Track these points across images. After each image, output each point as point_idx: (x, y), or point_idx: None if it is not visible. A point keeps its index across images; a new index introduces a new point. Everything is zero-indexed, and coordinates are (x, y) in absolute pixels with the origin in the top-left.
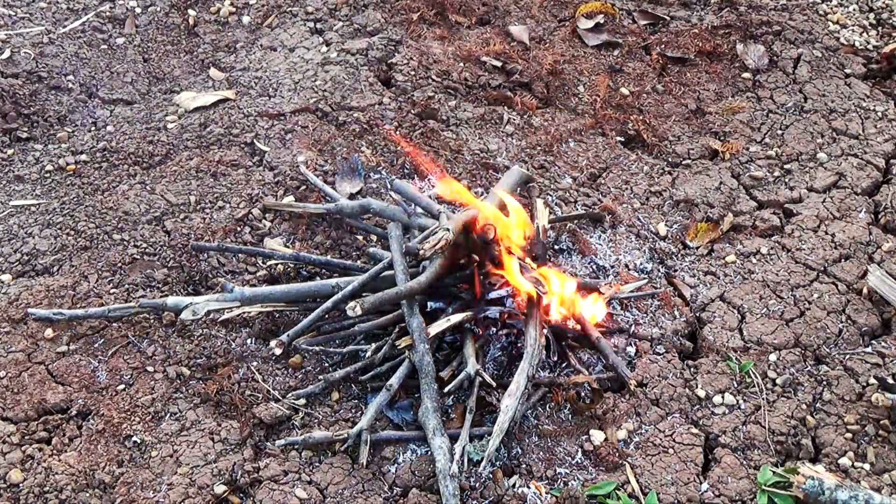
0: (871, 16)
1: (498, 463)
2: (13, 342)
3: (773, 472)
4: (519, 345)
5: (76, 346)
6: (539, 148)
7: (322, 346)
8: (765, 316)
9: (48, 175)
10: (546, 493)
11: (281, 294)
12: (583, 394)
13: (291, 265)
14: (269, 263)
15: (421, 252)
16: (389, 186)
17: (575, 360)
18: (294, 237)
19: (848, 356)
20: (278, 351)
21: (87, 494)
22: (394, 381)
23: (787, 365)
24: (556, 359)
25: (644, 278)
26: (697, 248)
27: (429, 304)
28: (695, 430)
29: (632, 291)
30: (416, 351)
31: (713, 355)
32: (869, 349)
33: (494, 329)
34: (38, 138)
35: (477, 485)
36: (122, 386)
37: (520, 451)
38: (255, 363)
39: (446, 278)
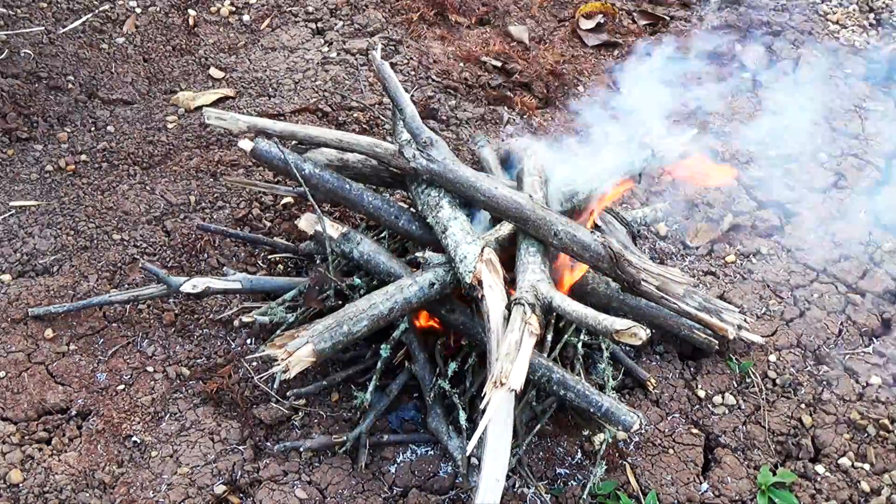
0: (871, 16)
1: None
2: (13, 342)
3: (773, 473)
4: None
5: (76, 346)
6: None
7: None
8: (765, 316)
9: (48, 175)
10: (546, 493)
11: (281, 284)
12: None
13: (292, 264)
14: (270, 258)
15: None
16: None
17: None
18: (293, 237)
19: (848, 356)
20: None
21: (87, 494)
22: (393, 388)
23: (787, 365)
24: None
25: None
26: (697, 248)
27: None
28: (695, 430)
29: None
30: (417, 361)
31: (713, 355)
32: (869, 349)
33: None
34: (38, 138)
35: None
36: (122, 386)
37: (520, 451)
38: (254, 363)
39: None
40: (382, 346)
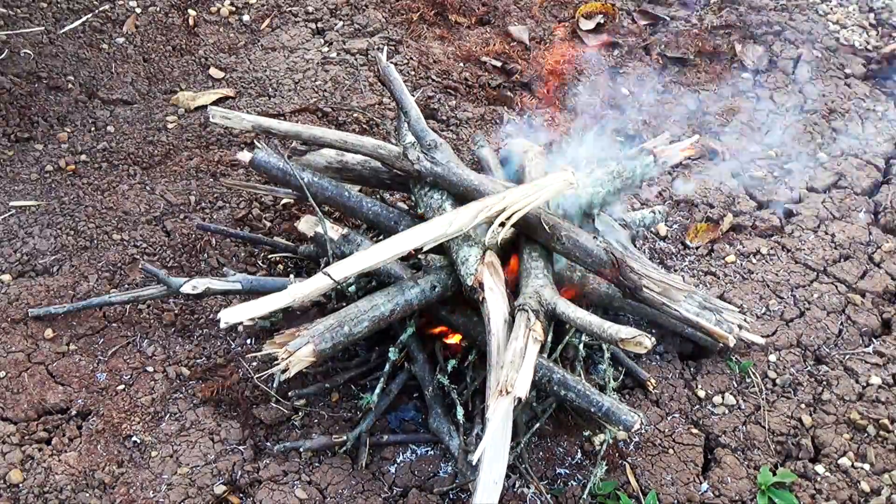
0: (871, 16)
1: None
2: (13, 342)
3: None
4: None
5: (76, 346)
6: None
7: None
8: (765, 316)
9: (48, 175)
10: (546, 492)
11: (281, 285)
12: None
13: (292, 265)
14: (270, 258)
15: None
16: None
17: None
18: (293, 237)
19: (848, 356)
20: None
21: (87, 494)
22: (393, 388)
23: (787, 365)
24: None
25: None
26: (697, 248)
27: None
28: (695, 430)
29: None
30: (416, 361)
31: (713, 355)
32: (869, 349)
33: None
34: (38, 138)
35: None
36: (121, 386)
37: (519, 448)
38: (254, 363)
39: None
40: (391, 349)
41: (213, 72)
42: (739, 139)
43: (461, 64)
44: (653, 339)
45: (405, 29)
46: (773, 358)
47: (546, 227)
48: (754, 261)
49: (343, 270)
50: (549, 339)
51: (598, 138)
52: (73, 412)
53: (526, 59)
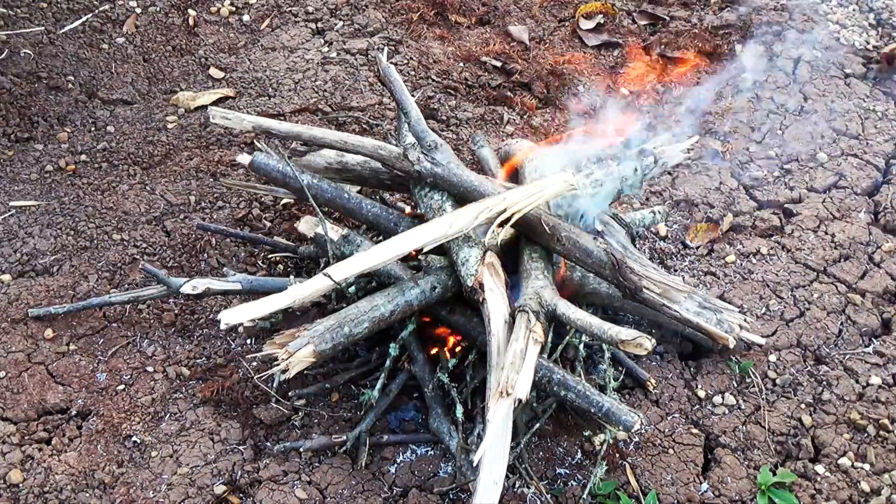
0: (871, 16)
1: None
2: (13, 342)
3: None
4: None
5: (76, 346)
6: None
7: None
8: (765, 316)
9: (48, 175)
10: (546, 492)
11: (281, 285)
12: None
13: (292, 264)
14: (270, 258)
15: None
16: None
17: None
18: (293, 237)
19: (848, 356)
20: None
21: (87, 494)
22: (393, 388)
23: (787, 365)
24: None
25: None
26: (697, 248)
27: None
28: (695, 430)
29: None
30: (416, 361)
31: (713, 355)
32: (869, 349)
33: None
34: (38, 138)
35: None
36: (122, 386)
37: (519, 448)
38: (254, 363)
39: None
40: (391, 345)
41: (213, 72)
42: (739, 139)
43: (461, 64)
44: (653, 340)
45: (405, 29)
46: (773, 358)
47: (546, 228)
48: (754, 261)
49: (343, 271)
50: (550, 339)
51: (598, 139)
52: (73, 412)
53: (526, 59)
